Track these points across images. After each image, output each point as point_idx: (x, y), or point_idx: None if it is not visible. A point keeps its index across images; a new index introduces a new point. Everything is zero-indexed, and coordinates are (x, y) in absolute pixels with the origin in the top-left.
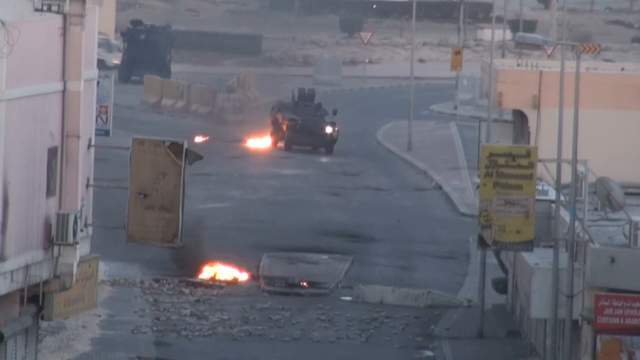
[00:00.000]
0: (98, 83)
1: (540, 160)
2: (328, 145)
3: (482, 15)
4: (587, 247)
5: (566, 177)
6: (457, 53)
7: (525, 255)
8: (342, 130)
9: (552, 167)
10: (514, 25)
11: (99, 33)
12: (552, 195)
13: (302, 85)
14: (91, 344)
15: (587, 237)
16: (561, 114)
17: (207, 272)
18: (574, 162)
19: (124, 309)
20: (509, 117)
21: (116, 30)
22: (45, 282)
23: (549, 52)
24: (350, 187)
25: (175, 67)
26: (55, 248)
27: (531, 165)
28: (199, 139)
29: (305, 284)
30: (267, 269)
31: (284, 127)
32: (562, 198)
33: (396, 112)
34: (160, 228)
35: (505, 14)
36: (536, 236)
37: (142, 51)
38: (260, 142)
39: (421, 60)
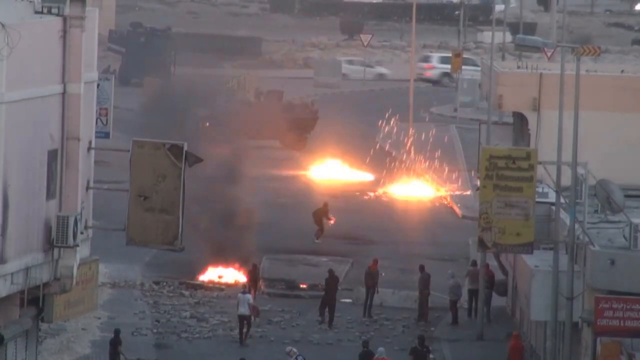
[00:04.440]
0: (98, 85)
1: (540, 163)
2: None
3: (482, 17)
4: (587, 249)
5: (566, 180)
6: (458, 55)
7: (525, 257)
8: (342, 132)
9: (552, 169)
10: (514, 28)
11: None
12: (552, 197)
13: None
14: (91, 346)
15: (587, 239)
16: (561, 117)
17: (207, 274)
18: (574, 164)
19: (124, 311)
20: (509, 119)
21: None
22: (46, 285)
23: (549, 54)
24: (350, 189)
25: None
26: (56, 250)
27: (531, 168)
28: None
29: (305, 286)
30: (267, 271)
31: None
32: (562, 200)
33: (396, 115)
34: (160, 230)
35: (506, 17)
36: (536, 238)
37: (142, 54)
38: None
39: None
